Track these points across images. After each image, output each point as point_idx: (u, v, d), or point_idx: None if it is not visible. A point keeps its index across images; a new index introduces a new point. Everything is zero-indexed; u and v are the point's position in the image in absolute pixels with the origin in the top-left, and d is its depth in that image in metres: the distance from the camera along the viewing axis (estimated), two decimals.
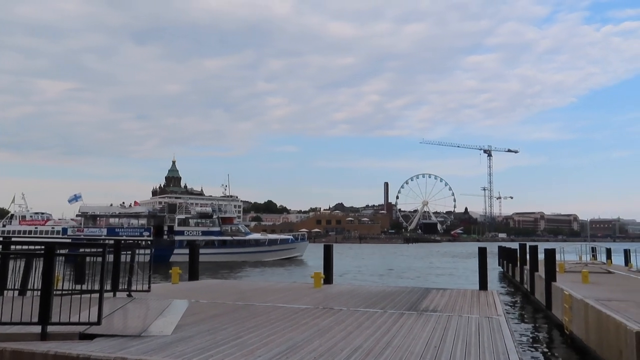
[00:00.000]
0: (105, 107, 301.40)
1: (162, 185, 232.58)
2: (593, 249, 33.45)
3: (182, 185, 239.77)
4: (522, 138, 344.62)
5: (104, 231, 52.67)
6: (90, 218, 54.79)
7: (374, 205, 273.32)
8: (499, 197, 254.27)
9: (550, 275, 17.11)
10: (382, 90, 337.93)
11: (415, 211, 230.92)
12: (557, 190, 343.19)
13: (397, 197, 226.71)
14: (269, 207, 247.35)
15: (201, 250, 57.42)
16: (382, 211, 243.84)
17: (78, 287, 9.11)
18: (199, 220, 54.13)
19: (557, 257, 21.80)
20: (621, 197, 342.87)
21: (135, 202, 60.62)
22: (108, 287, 9.83)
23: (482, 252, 16.36)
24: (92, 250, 8.86)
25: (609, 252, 31.94)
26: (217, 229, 53.74)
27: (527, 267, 23.65)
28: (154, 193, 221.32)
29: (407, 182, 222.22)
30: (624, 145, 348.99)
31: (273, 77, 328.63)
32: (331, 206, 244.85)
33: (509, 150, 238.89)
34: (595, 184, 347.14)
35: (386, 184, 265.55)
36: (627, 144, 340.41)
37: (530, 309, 19.92)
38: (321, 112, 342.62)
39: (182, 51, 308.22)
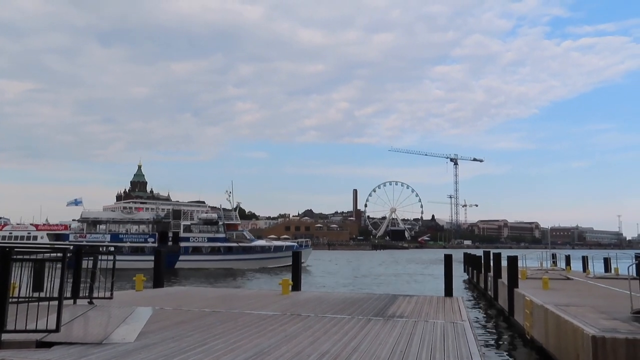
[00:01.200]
0: (68, 110, 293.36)
1: (127, 190, 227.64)
2: (553, 256, 34.41)
3: (148, 190, 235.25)
4: (487, 147, 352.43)
5: (107, 237, 52.34)
6: (92, 224, 54.09)
7: (342, 212, 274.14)
8: (465, 205, 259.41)
9: (513, 281, 17.49)
10: (352, 97, 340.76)
11: (384, 218, 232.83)
12: (520, 199, 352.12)
13: (366, 204, 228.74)
14: (239, 213, 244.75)
15: (206, 257, 52.49)
16: (351, 218, 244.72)
17: (36, 294, 8.79)
18: (204, 227, 54.12)
19: (520, 264, 22.30)
20: (580, 206, 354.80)
21: (138, 209, 59.23)
22: (68, 294, 9.52)
23: (448, 259, 16.61)
24: (53, 255, 8.57)
25: (568, 259, 32.91)
26: (222, 235, 53.84)
27: (491, 274, 24.08)
28: (119, 198, 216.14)
29: (375, 190, 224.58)
30: (583, 156, 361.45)
31: (243, 82, 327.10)
32: (300, 212, 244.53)
33: (475, 159, 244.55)
34: (556, 193, 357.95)
35: (355, 191, 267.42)
36: (586, 154, 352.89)
37: (494, 315, 20.29)
38: (291, 118, 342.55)
39: (150, 54, 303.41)
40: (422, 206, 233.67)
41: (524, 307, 14.68)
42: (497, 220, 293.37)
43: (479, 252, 32.47)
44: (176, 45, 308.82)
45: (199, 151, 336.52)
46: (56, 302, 6.90)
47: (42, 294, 8.38)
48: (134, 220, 54.71)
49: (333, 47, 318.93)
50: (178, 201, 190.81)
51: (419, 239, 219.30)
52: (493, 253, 24.12)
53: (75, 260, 9.88)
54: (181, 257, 51.13)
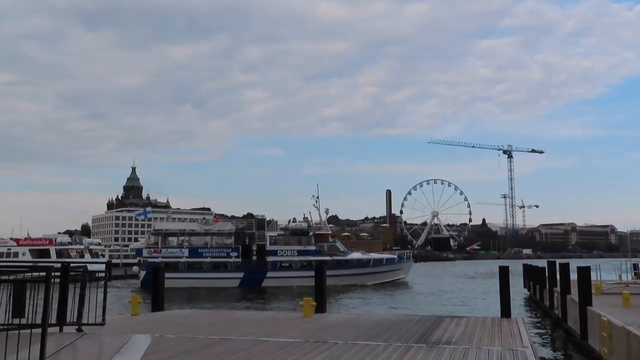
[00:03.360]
0: (50, 104, 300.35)
1: (120, 197, 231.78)
2: (635, 266, 33.67)
3: (144, 196, 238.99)
4: (547, 136, 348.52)
5: (185, 252, 54.40)
6: (165, 237, 56.18)
7: (374, 217, 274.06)
8: (522, 206, 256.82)
9: (585, 298, 17.20)
10: (381, 81, 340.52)
11: (424, 224, 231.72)
12: (590, 197, 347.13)
13: (402, 208, 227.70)
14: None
15: (296, 273, 54.16)
16: (384, 224, 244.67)
17: (17, 321, 8.94)
18: (292, 238, 55.92)
19: (593, 276, 21.84)
20: None
21: (215, 218, 61.68)
22: (53, 320, 9.67)
23: (504, 272, 16.37)
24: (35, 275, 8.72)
25: None
26: (313, 247, 55.27)
27: (558, 289, 23.73)
28: (110, 206, 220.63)
29: (413, 190, 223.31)
30: None
31: (251, 67, 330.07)
32: (316, 220, 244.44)
33: (533, 151, 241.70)
34: (635, 189, 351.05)
35: (388, 192, 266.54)
36: None
37: (562, 339, 20.00)
38: (309, 107, 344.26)
39: (143, 37, 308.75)
40: (470, 208, 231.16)
41: (600, 329, 14.39)
42: (563, 224, 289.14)
43: (542, 263, 32.11)
44: (173, 27, 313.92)
45: (202, 150, 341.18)
46: (39, 330, 6.99)
47: (24, 321, 8.52)
48: (213, 231, 56.27)
49: (357, 22, 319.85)
50: (179, 209, 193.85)
51: (468, 249, 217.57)
52: (559, 264, 23.79)
53: (61, 281, 10.00)
54: (268, 274, 53.29)
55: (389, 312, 29.63)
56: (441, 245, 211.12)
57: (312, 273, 52.08)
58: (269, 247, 54.69)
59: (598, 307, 16.40)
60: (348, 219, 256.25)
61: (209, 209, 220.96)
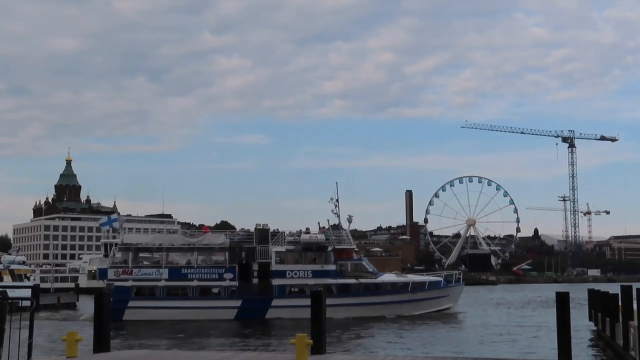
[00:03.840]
0: None
1: (50, 199, 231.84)
2: None
3: (83, 198, 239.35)
4: (621, 118, 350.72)
5: (164, 272, 53.42)
6: (137, 253, 55.63)
7: (390, 227, 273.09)
8: (588, 212, 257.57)
9: None
10: (399, 45, 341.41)
11: (457, 236, 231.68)
12: None
13: (427, 215, 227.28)
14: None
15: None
16: (404, 236, 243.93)
17: None
18: (305, 254, 55.79)
19: None
20: None
21: (204, 228, 61.00)
22: None
23: (563, 301, 16.37)
24: None
25: None
26: (332, 267, 54.93)
27: (635, 322, 23.78)
28: (38, 212, 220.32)
29: (441, 191, 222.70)
30: None
31: (226, 26, 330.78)
32: (314, 230, 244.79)
33: (603, 138, 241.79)
34: None
35: (409, 194, 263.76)
36: None
37: None
38: (303, 80, 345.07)
39: None
40: (517, 215, 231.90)
41: None
42: None
43: (614, 288, 32.21)
44: None
45: (159, 137, 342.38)
46: None
47: None
48: (201, 246, 55.34)
49: None
50: (130, 215, 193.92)
51: (514, 269, 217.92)
52: (637, 289, 23.89)
53: None
54: (274, 302, 52.84)
55: (410, 354, 29.73)
56: (479, 264, 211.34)
57: (332, 301, 47.86)
58: (274, 267, 54.06)
59: None
60: (355, 230, 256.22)
61: (169, 216, 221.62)
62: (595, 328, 39.59)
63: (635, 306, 24.27)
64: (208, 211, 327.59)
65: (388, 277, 59.59)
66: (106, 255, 77.03)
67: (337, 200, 58.35)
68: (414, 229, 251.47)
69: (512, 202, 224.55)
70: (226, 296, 52.81)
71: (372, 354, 28.42)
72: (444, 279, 61.02)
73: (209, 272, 53.53)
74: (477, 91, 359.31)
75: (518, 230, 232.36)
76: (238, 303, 52.44)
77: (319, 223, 58.95)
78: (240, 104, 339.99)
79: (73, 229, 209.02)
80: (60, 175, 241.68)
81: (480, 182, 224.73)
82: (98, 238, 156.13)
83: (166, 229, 75.07)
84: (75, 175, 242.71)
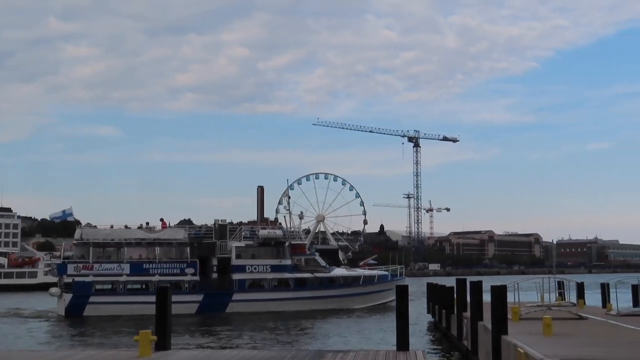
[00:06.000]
0: None
1: None
2: (560, 285, 36.14)
3: None
4: (463, 120, 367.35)
5: (126, 268, 53.03)
6: (97, 249, 54.44)
7: (241, 222, 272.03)
8: (431, 209, 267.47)
9: (499, 325, 18.20)
10: (254, 40, 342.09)
11: (306, 231, 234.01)
12: (513, 199, 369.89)
13: (278, 211, 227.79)
14: (69, 227, 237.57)
15: (270, 295, 54.76)
16: None
17: None
18: (263, 249, 56.59)
19: (510, 297, 23.16)
20: (600, 209, 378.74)
21: (162, 223, 58.93)
22: None
23: (402, 294, 16.98)
24: None
25: (581, 289, 34.77)
26: (289, 262, 56.36)
27: (468, 314, 24.93)
28: None
29: (293, 186, 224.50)
30: (604, 134, 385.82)
31: (74, 12, 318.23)
32: (174, 224, 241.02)
33: (445, 138, 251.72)
34: (566, 189, 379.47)
35: (260, 190, 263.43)
36: (608, 131, 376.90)
37: None
38: (155, 72, 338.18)
39: None
40: (365, 212, 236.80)
41: None
42: (479, 232, 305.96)
43: (452, 281, 33.50)
44: None
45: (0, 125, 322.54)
46: None
47: None
48: (161, 240, 54.99)
49: None
50: None
51: (361, 263, 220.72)
52: (470, 282, 24.97)
53: None
54: (235, 296, 53.70)
55: (257, 347, 29.82)
56: (328, 259, 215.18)
57: (290, 294, 53.87)
58: (234, 262, 54.89)
59: (514, 336, 17.39)
60: (205, 225, 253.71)
61: (9, 209, 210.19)
62: (433, 319, 41.31)
63: (469, 298, 25.42)
64: (53, 204, 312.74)
65: (340, 271, 61.79)
66: None
67: (289, 198, 60.30)
68: (265, 224, 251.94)
69: (358, 195, 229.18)
70: (188, 291, 52.82)
71: (220, 349, 28.26)
72: (391, 273, 63.54)
73: (171, 267, 53.73)
74: (329, 89, 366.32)
75: (365, 222, 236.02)
76: (199, 297, 52.90)
77: (276, 218, 59.81)
78: (89, 94, 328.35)
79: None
80: None
81: (326, 178, 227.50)
82: None
83: (5, 222, 71.12)
84: None
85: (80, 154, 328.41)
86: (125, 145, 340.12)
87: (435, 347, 31.09)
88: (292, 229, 60.61)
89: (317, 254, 64.99)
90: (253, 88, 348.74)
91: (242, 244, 56.34)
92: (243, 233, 58.23)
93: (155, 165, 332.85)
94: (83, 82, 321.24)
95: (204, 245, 55.39)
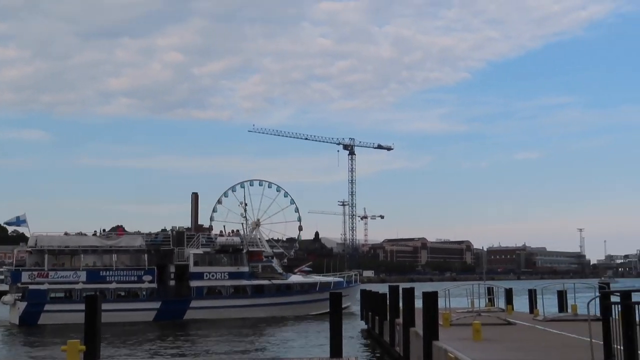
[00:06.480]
0: None
1: None
2: (489, 291, 37.01)
3: None
4: (397, 129, 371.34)
5: (82, 275, 52.31)
6: (51, 256, 53.33)
7: (175, 228, 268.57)
8: (365, 217, 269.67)
9: (431, 331, 18.53)
10: (189, 46, 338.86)
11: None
12: (446, 207, 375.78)
13: (212, 220, 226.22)
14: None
15: (228, 302, 54.84)
16: None
17: None
18: (220, 256, 56.73)
19: (441, 303, 23.58)
20: (528, 217, 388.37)
21: (119, 230, 58.74)
22: None
23: (335, 301, 17.11)
24: None
25: (509, 295, 35.60)
26: (246, 269, 56.67)
27: (400, 320, 25.21)
28: None
29: (227, 194, 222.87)
30: (532, 144, 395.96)
31: (4, 13, 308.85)
32: (106, 230, 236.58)
33: (380, 147, 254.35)
34: (497, 198, 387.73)
35: (195, 196, 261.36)
36: (537, 141, 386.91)
37: None
38: (87, 76, 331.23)
39: None
40: (300, 218, 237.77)
41: None
42: (413, 239, 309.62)
43: (385, 288, 33.83)
44: None
45: None
46: None
47: None
48: (118, 248, 54.52)
49: None
50: None
51: (296, 270, 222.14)
52: (403, 289, 25.29)
53: None
54: (193, 303, 53.71)
55: (193, 355, 29.55)
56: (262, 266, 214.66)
57: (247, 301, 54.35)
58: (192, 269, 54.85)
59: (445, 342, 17.73)
60: (139, 232, 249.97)
61: None
62: (366, 326, 41.59)
63: (401, 305, 25.70)
64: None
65: (296, 278, 62.69)
66: None
67: (245, 205, 62.24)
68: (200, 231, 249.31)
69: (293, 202, 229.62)
70: (146, 298, 52.66)
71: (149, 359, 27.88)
72: (346, 279, 64.71)
73: (128, 275, 53.43)
74: (265, 96, 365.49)
75: (300, 228, 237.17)
76: (157, 305, 52.79)
77: (223, 227, 61.84)
78: (16, 97, 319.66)
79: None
80: None
81: (261, 185, 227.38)
82: None
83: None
84: None
85: (7, 159, 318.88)
86: (54, 150, 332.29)
87: (368, 353, 31.28)
88: (250, 237, 61.51)
89: (275, 260, 65.70)
90: (187, 94, 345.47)
91: (199, 251, 56.52)
92: (201, 240, 58.35)
93: (85, 170, 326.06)
94: (10, 84, 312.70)
95: (161, 253, 55.66)
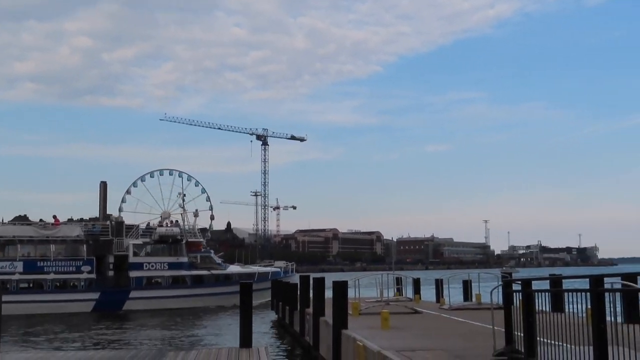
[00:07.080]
0: None
1: None
2: (398, 281, 37.80)
3: None
4: (310, 120, 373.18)
5: (19, 266, 51.61)
6: None
7: (82, 218, 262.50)
8: (277, 207, 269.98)
9: (340, 320, 18.77)
10: (99, 30, 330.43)
11: (151, 229, 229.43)
12: (357, 197, 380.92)
13: (121, 208, 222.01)
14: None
15: (167, 292, 54.59)
16: None
17: None
18: (159, 247, 56.70)
19: (351, 293, 23.88)
20: (437, 208, 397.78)
21: (55, 220, 56.91)
22: None
23: (245, 291, 17.06)
24: None
25: (417, 284, 36.42)
26: (185, 259, 56.78)
27: (310, 310, 25.40)
28: None
29: (136, 183, 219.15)
30: (441, 137, 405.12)
31: None
32: (7, 221, 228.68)
33: (293, 137, 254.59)
34: (407, 190, 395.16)
35: (103, 185, 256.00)
36: (445, 135, 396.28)
37: None
38: None
39: None
40: (211, 209, 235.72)
41: (354, 356, 15.83)
42: (324, 230, 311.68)
43: (296, 278, 34.04)
44: None
45: None
46: None
47: None
48: (56, 238, 53.74)
49: None
50: None
51: None
52: (314, 279, 25.49)
53: None
54: (132, 294, 53.63)
55: (92, 348, 28.90)
56: (201, 257, 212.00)
57: (186, 291, 54.67)
58: (132, 259, 54.93)
59: (354, 330, 18.00)
60: (42, 220, 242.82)
61: None
62: (277, 316, 41.75)
63: (311, 295, 25.89)
64: None
65: (234, 268, 63.40)
66: None
67: (184, 196, 62.91)
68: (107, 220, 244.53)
69: (204, 191, 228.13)
70: (84, 289, 52.14)
71: (55, 351, 27.18)
72: (282, 270, 65.29)
73: (66, 265, 53.01)
74: (177, 85, 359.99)
75: (212, 217, 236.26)
76: (96, 296, 52.49)
77: (121, 216, 61.09)
78: None
79: None
80: None
81: (171, 174, 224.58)
82: None
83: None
84: None
85: None
86: None
87: (279, 343, 31.40)
88: (188, 227, 61.46)
89: (212, 251, 65.80)
90: (97, 80, 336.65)
91: (139, 241, 56.77)
92: (140, 231, 58.49)
93: None
94: None
95: (100, 243, 55.26)
